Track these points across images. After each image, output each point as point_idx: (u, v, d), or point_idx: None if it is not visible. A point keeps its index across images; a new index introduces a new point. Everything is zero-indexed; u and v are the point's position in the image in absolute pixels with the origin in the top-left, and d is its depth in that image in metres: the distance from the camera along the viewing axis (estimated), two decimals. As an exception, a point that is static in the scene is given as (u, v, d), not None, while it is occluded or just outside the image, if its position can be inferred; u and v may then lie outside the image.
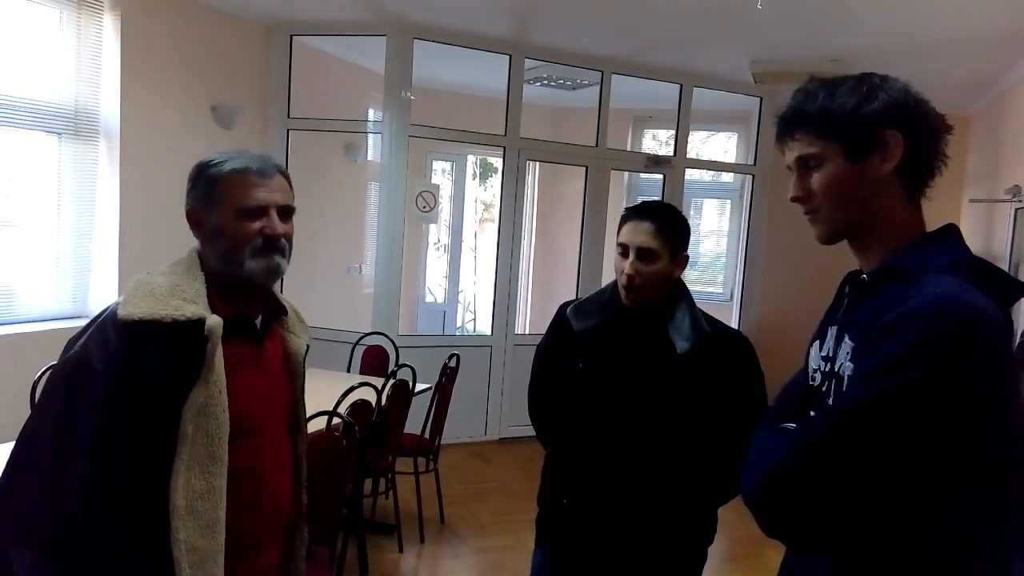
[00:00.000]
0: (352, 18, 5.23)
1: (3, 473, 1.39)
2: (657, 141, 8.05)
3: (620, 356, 1.94)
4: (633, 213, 1.94)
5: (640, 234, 1.88)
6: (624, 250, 1.90)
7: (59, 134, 4.16)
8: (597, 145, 6.09)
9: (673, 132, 6.45)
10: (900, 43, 4.73)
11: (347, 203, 6.50)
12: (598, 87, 6.03)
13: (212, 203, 1.46)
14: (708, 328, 1.91)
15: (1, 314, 3.96)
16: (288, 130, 5.50)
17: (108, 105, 4.34)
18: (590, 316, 1.99)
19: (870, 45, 4.80)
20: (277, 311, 1.60)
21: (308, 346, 1.69)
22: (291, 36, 5.44)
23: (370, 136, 6.27)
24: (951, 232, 1.17)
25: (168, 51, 4.63)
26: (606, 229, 6.26)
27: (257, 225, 1.44)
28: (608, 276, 6.86)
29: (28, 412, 3.30)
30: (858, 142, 1.14)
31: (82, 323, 4.18)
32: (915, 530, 1.06)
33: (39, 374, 3.26)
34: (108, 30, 4.30)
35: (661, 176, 6.46)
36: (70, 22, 4.15)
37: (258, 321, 1.55)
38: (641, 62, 5.90)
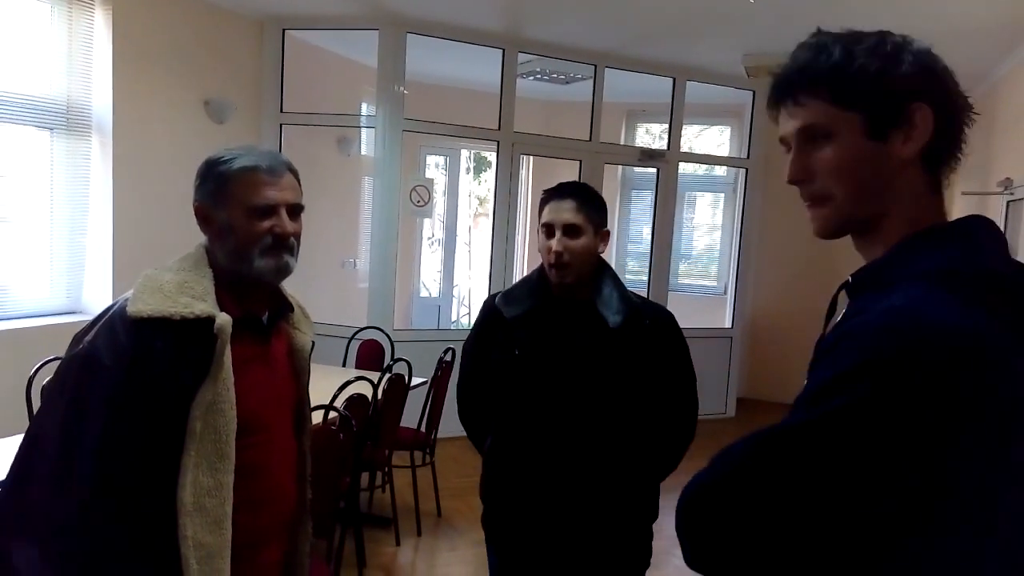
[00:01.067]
0: (345, 12, 5.21)
1: (10, 468, 1.38)
2: (650, 135, 8.06)
3: (554, 338, 1.97)
4: (553, 193, 1.99)
5: (563, 212, 1.93)
6: (549, 230, 1.95)
7: (51, 129, 4.14)
8: (591, 139, 6.10)
9: (666, 126, 6.46)
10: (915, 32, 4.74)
11: (341, 197, 6.49)
12: (591, 81, 6.04)
13: (222, 200, 1.45)
14: (636, 301, 1.98)
15: (-6, 310, 3.95)
16: (281, 124, 5.48)
17: (100, 100, 4.32)
18: (520, 302, 2.01)
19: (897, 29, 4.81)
20: (284, 308, 1.61)
21: (313, 342, 1.70)
22: (283, 30, 5.42)
23: (363, 130, 6.26)
24: (962, 227, 0.94)
25: (160, 45, 4.61)
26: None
27: (267, 224, 1.44)
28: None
29: (23, 407, 3.31)
30: (881, 115, 0.93)
31: (76, 318, 4.17)
32: None
33: (34, 369, 3.26)
34: (99, 24, 4.28)
35: (655, 170, 6.47)
36: (61, 16, 4.13)
37: (264, 318, 1.55)
38: (634, 56, 5.91)
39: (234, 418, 1.40)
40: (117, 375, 1.33)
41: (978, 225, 0.95)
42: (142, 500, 1.35)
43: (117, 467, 1.33)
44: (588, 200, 1.96)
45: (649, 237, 6.73)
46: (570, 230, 1.91)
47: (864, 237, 0.99)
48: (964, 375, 0.83)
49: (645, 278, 6.68)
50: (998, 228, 0.97)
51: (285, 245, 1.47)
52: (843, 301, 1.01)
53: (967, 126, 0.96)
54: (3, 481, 1.40)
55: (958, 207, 6.11)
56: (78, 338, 1.42)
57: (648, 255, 6.66)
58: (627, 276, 8.03)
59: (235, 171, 1.44)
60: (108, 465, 1.32)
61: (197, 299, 1.39)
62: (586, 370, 1.92)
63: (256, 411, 1.47)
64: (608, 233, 2.01)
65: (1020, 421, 0.87)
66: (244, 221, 1.44)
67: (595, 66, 5.98)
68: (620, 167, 7.51)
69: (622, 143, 7.49)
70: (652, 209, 6.57)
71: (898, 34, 0.96)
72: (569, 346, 1.94)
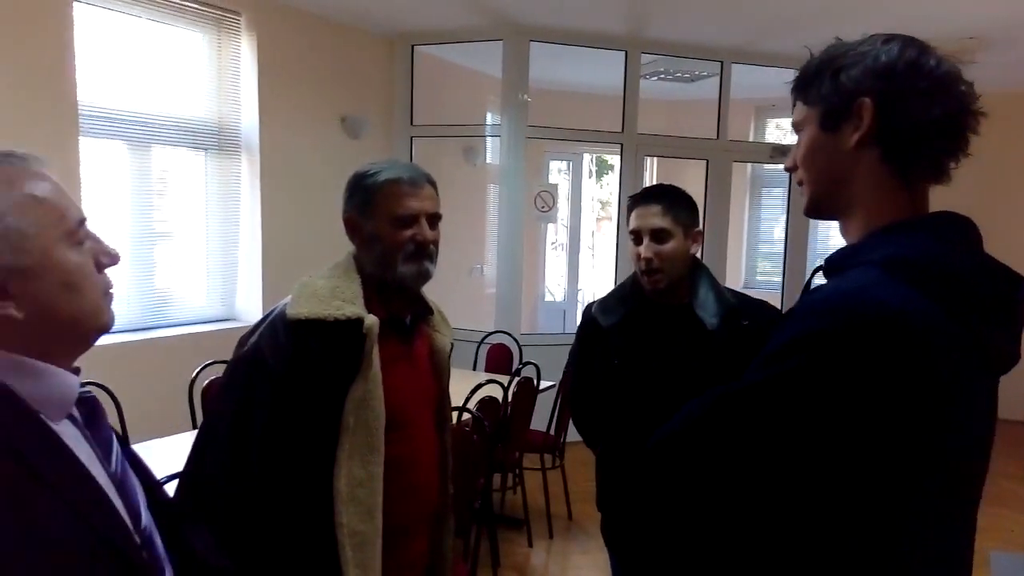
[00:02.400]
0: (469, 25, 5.34)
1: (188, 457, 1.53)
2: (781, 130, 7.76)
3: (652, 345, 1.92)
4: (638, 199, 1.95)
5: (649, 217, 1.89)
6: (637, 236, 1.91)
7: (205, 150, 4.49)
8: (718, 137, 5.94)
9: (798, 120, 6.20)
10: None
11: (468, 206, 6.65)
12: (717, 78, 5.89)
13: (368, 211, 1.56)
14: (733, 301, 1.91)
15: (159, 318, 4.31)
16: (411, 137, 5.68)
17: (247, 120, 4.64)
18: (615, 310, 1.98)
19: (1009, 20, 4.45)
20: (424, 311, 1.70)
21: (452, 344, 1.79)
22: (412, 46, 5.62)
23: (488, 139, 6.38)
24: (925, 221, 1.01)
25: (300, 67, 4.89)
26: (728, 223, 6.10)
27: (409, 232, 1.54)
28: (732, 270, 6.68)
29: (184, 408, 3.58)
30: (831, 109, 1.03)
31: (231, 325, 4.47)
32: (784, 551, 0.98)
33: (195, 372, 3.53)
34: (245, 49, 4.60)
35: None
36: (211, 44, 4.47)
37: (407, 320, 1.64)
38: (762, 50, 5.71)
39: (383, 413, 1.49)
40: (279, 372, 1.46)
41: (943, 220, 1.01)
42: (303, 488, 1.46)
43: (280, 456, 1.45)
44: (675, 202, 1.91)
45: (782, 236, 6.48)
46: (658, 235, 1.88)
47: (841, 225, 1.09)
48: (894, 351, 0.90)
49: (778, 279, 6.43)
50: (970, 225, 1.02)
51: (425, 252, 1.56)
52: (817, 282, 1.11)
53: (951, 123, 0.99)
54: (180, 471, 1.54)
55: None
56: (243, 340, 1.56)
57: (782, 255, 6.41)
58: (758, 278, 7.76)
59: (380, 184, 1.56)
60: (272, 454, 1.44)
61: (347, 302, 1.50)
62: (686, 375, 1.86)
63: (401, 407, 1.55)
64: (700, 234, 1.96)
65: (956, 406, 0.94)
66: (388, 230, 1.54)
67: (721, 63, 5.82)
68: (749, 165, 7.28)
69: (751, 140, 7.25)
70: (785, 207, 6.32)
71: (889, 36, 1.02)
72: (667, 352, 1.90)
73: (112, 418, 3.13)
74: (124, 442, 1.00)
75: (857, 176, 1.03)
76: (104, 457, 0.92)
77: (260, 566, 1.45)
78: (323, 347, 1.46)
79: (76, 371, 0.93)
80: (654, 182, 7.84)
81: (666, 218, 1.88)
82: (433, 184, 1.62)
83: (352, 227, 1.60)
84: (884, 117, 1.00)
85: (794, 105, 1.11)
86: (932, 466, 0.95)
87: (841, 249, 1.05)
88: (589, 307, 2.09)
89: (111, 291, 0.95)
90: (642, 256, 1.89)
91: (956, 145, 1.01)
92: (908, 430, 0.92)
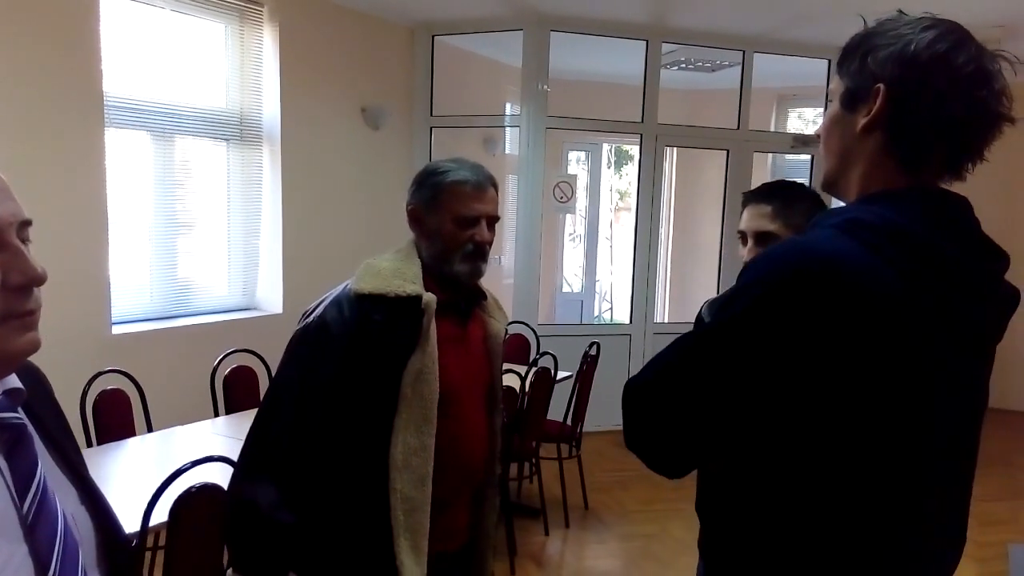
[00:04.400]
0: (490, 14, 5.34)
1: (256, 417, 1.63)
2: (803, 120, 7.69)
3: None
4: (751, 196, 1.82)
5: (756, 218, 1.76)
6: (743, 237, 1.80)
7: (227, 140, 4.53)
8: (739, 127, 5.90)
9: (820, 110, 6.14)
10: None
11: (486, 196, 6.65)
12: (739, 67, 5.84)
13: (434, 207, 1.65)
14: None
15: (181, 307, 4.37)
16: (431, 128, 5.70)
17: (269, 111, 4.67)
18: None
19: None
20: (478, 296, 1.78)
21: (507, 331, 1.86)
22: (432, 36, 5.63)
23: (507, 130, 6.38)
24: (899, 193, 1.01)
25: (321, 58, 4.92)
26: (749, 214, 6.05)
27: (470, 232, 1.64)
28: (752, 262, 6.68)
29: (207, 395, 3.64)
30: (854, 88, 1.04)
31: (251, 314, 4.53)
32: (760, 493, 1.02)
33: (217, 361, 3.58)
34: (267, 41, 4.63)
35: (808, 157, 6.17)
36: (234, 35, 4.50)
37: (463, 304, 1.72)
38: (785, 38, 5.66)
39: (437, 387, 1.58)
40: (342, 341, 1.56)
41: (916, 192, 1.01)
42: (361, 453, 1.56)
43: (342, 422, 1.55)
44: (790, 204, 1.74)
45: (802, 228, 6.42)
46: (763, 238, 1.73)
47: (844, 201, 1.10)
48: (834, 301, 0.92)
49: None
50: (955, 199, 1.02)
51: (482, 252, 1.66)
52: None
53: (963, 126, 0.98)
54: (248, 431, 1.63)
55: None
56: (306, 313, 1.65)
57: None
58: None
59: (448, 183, 1.64)
60: (334, 419, 1.55)
61: (408, 281, 1.60)
62: None
63: (454, 385, 1.63)
64: None
65: (908, 363, 0.95)
66: (451, 228, 1.64)
67: (743, 52, 5.78)
68: (770, 155, 7.22)
69: (772, 130, 7.20)
70: (805, 198, 6.26)
71: (935, 21, 1.00)
72: None
73: (136, 406, 3.19)
74: (85, 485, 0.91)
75: (862, 158, 1.04)
76: (19, 492, 0.79)
77: (318, 524, 1.56)
78: (385, 321, 1.56)
79: None
80: (673, 173, 7.83)
81: (776, 221, 1.72)
82: (496, 187, 1.70)
83: (415, 218, 1.68)
84: (894, 106, 0.99)
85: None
86: (882, 419, 0.96)
87: (814, 217, 1.09)
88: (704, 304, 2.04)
89: (24, 314, 0.79)
90: (744, 260, 1.77)
91: (968, 146, 1.00)
92: (841, 374, 0.94)
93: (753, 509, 1.04)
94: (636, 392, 1.07)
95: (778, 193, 1.79)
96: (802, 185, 1.86)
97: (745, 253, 1.79)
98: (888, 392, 0.95)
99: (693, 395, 1.00)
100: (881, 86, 0.99)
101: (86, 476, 0.94)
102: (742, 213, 1.83)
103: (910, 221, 0.97)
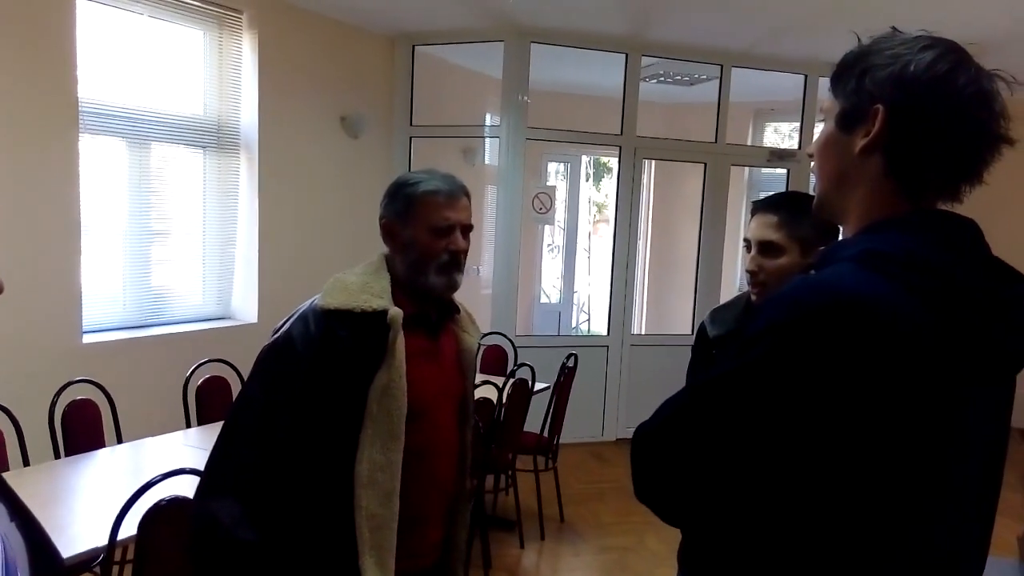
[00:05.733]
0: (471, 26, 5.35)
1: (219, 434, 1.61)
2: (779, 134, 7.78)
3: None
4: (759, 206, 1.85)
5: (762, 227, 1.79)
6: (748, 245, 1.84)
7: (204, 147, 4.49)
8: (716, 141, 5.96)
9: (796, 125, 6.21)
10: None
11: (465, 206, 6.65)
12: (717, 81, 5.90)
13: (407, 218, 1.65)
14: None
15: (154, 316, 4.31)
16: (411, 137, 5.69)
17: (247, 119, 4.64)
18: (725, 321, 1.92)
19: (1010, 27, 4.47)
20: (451, 310, 1.77)
21: (481, 345, 1.80)
22: (413, 46, 5.63)
23: (487, 140, 6.39)
24: (908, 218, 0.98)
25: (301, 66, 4.90)
26: (725, 227, 6.11)
27: (444, 242, 1.64)
28: (728, 275, 6.70)
29: (181, 405, 3.59)
30: (850, 109, 1.00)
31: (226, 324, 4.49)
32: (769, 542, 0.97)
33: (190, 371, 3.54)
34: (247, 48, 4.60)
35: (784, 171, 6.24)
36: (212, 42, 4.47)
37: (434, 317, 1.72)
38: (762, 53, 5.73)
39: (405, 403, 1.57)
40: (307, 357, 1.55)
41: (931, 217, 0.98)
42: (326, 470, 1.55)
43: (306, 439, 1.54)
44: (796, 215, 1.75)
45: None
46: (767, 248, 1.76)
47: (842, 229, 1.08)
48: (865, 340, 0.88)
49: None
50: (967, 224, 0.99)
51: (457, 263, 1.66)
52: None
53: (964, 148, 0.96)
54: (212, 448, 1.61)
55: None
56: (276, 330, 1.65)
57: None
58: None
59: (420, 193, 1.64)
60: (299, 437, 1.53)
61: (375, 296, 1.60)
62: None
63: (423, 400, 1.62)
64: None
65: (933, 397, 0.91)
66: (426, 238, 1.63)
67: (721, 66, 5.84)
68: (747, 169, 7.30)
69: (749, 144, 7.27)
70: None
71: (932, 40, 0.98)
72: None
73: (107, 417, 3.14)
74: (13, 503, 0.86)
75: (859, 182, 1.01)
76: None
77: (281, 542, 1.54)
78: (351, 336, 1.56)
79: None
80: (651, 185, 7.88)
81: (780, 232, 1.75)
82: (468, 196, 1.71)
83: (389, 231, 1.68)
84: (893, 130, 0.97)
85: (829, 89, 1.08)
86: (906, 457, 0.92)
87: (826, 248, 1.05)
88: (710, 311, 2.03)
89: None
90: (746, 267, 1.82)
91: (968, 170, 0.98)
92: (873, 416, 0.90)
93: (770, 556, 0.99)
94: (646, 439, 1.02)
95: (786, 204, 1.80)
96: (812, 198, 1.87)
97: (748, 261, 1.81)
98: (920, 429, 0.92)
99: (710, 441, 0.95)
100: (880, 107, 0.97)
101: (13, 493, 0.90)
102: (750, 222, 1.85)
103: (930, 250, 0.94)
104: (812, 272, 1.04)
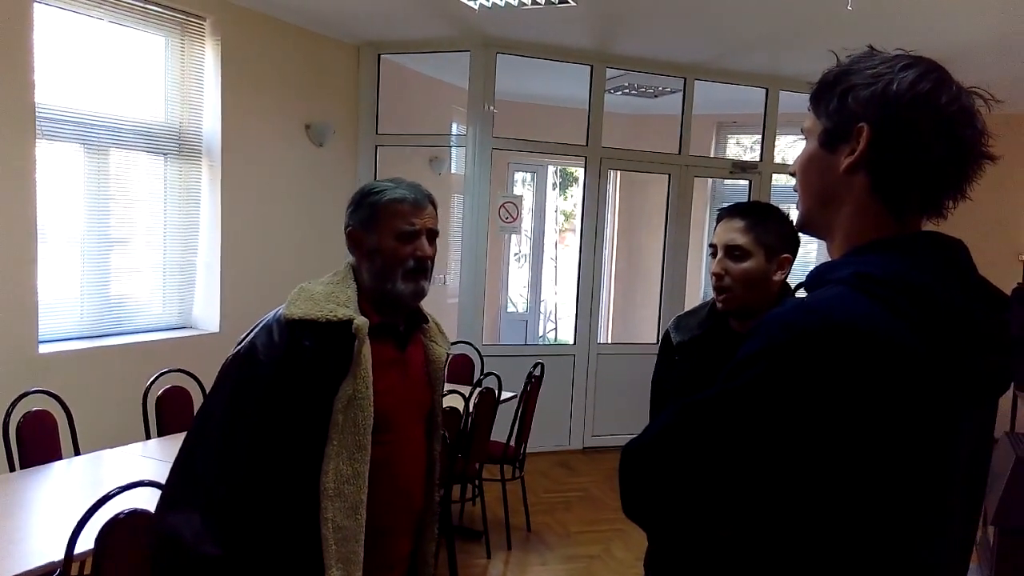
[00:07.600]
0: (437, 35, 5.36)
1: (181, 446, 1.58)
2: (741, 147, 7.91)
3: (715, 373, 1.88)
4: (726, 211, 1.87)
5: (729, 232, 1.80)
6: (714, 251, 1.85)
7: (165, 154, 4.42)
8: (680, 152, 6.04)
9: (758, 137, 6.33)
10: (999, 41, 4.53)
11: (432, 215, 6.64)
12: (680, 94, 5.99)
13: (373, 226, 1.64)
14: None
15: (113, 325, 4.22)
16: (376, 146, 5.67)
17: (210, 126, 4.58)
18: (689, 328, 1.92)
19: (968, 44, 4.61)
20: (419, 320, 1.76)
21: (449, 355, 1.83)
22: (379, 55, 5.62)
23: (453, 149, 6.40)
24: (897, 241, 0.99)
25: (265, 73, 4.86)
26: (689, 237, 6.19)
27: (410, 248, 1.63)
28: (692, 284, 6.77)
29: (140, 416, 3.51)
30: (833, 128, 1.01)
31: (187, 333, 4.42)
32: (757, 558, 0.98)
33: (150, 381, 3.47)
34: (209, 55, 4.55)
35: (747, 182, 6.34)
36: (174, 48, 4.41)
37: (401, 327, 1.70)
38: (725, 67, 5.83)
39: (371, 414, 1.55)
40: (271, 368, 1.53)
41: (921, 240, 1.00)
42: (291, 482, 1.52)
43: (270, 450, 1.51)
44: (762, 220, 1.80)
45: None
46: (733, 251, 1.78)
47: (827, 246, 1.08)
48: (856, 364, 0.89)
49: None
50: (956, 245, 1.01)
51: (423, 269, 1.65)
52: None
53: (948, 166, 0.97)
54: (174, 461, 1.58)
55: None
56: (240, 340, 1.62)
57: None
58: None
59: (386, 201, 1.64)
60: (263, 448, 1.50)
61: (341, 305, 1.58)
62: None
63: (390, 410, 1.61)
64: (788, 259, 1.82)
65: (922, 420, 0.92)
66: (391, 245, 1.63)
67: (684, 79, 5.92)
68: (710, 180, 7.40)
69: (712, 155, 7.38)
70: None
71: (911, 59, 0.99)
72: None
73: (64, 429, 3.06)
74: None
75: (845, 200, 1.02)
76: None
77: (245, 557, 1.50)
78: (315, 346, 1.53)
79: None
80: (617, 195, 7.95)
81: (747, 236, 1.78)
82: (434, 204, 1.71)
83: (354, 240, 1.67)
84: (878, 148, 0.97)
85: (809, 108, 1.08)
86: (898, 479, 0.93)
87: (817, 267, 1.04)
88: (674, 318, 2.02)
89: None
90: (712, 271, 1.83)
91: (952, 186, 0.99)
92: (866, 437, 0.91)
93: (762, 570, 0.99)
94: (636, 456, 1.02)
95: (752, 211, 1.84)
96: (777, 208, 1.90)
97: (715, 265, 1.83)
98: (912, 451, 0.93)
99: (702, 461, 0.96)
100: (865, 126, 0.97)
101: None
102: (716, 228, 1.87)
103: (920, 273, 0.95)
104: (803, 293, 1.05)
